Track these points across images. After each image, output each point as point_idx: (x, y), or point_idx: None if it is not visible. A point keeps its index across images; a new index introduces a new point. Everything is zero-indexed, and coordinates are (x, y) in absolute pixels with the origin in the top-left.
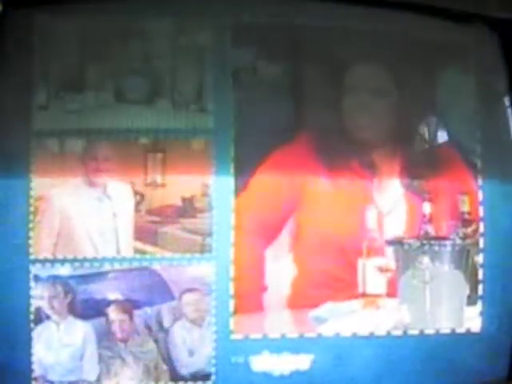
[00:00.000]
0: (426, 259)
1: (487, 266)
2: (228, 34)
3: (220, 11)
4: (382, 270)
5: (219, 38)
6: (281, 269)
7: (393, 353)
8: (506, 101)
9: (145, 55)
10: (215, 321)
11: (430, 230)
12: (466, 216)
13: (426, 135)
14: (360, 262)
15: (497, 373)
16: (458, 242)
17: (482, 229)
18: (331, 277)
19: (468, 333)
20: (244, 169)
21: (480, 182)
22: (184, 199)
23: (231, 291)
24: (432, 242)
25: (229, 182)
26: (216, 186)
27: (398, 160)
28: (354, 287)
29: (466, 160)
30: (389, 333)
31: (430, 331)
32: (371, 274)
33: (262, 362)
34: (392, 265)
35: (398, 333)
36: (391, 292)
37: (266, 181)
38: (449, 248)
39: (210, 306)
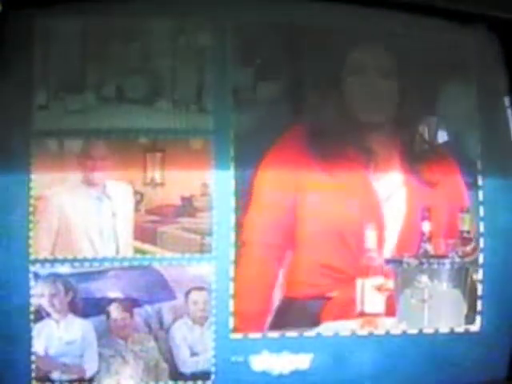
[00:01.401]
0: (424, 278)
1: (487, 266)
2: (228, 34)
3: (220, 11)
4: (380, 289)
5: (219, 38)
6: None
7: (392, 353)
8: (506, 101)
9: (145, 55)
10: (215, 320)
11: (429, 248)
12: (465, 234)
13: (426, 130)
14: (358, 282)
15: (496, 372)
16: (457, 260)
17: (482, 229)
18: (331, 269)
19: (467, 333)
20: (243, 168)
21: (480, 182)
22: (183, 199)
23: (231, 291)
24: (431, 260)
25: (228, 181)
26: (215, 186)
27: (396, 146)
28: (354, 282)
29: (465, 175)
30: (388, 333)
31: (429, 331)
32: (369, 293)
33: (262, 362)
34: (390, 284)
35: (398, 333)
36: (389, 311)
37: (265, 181)
38: (448, 266)
39: (210, 305)
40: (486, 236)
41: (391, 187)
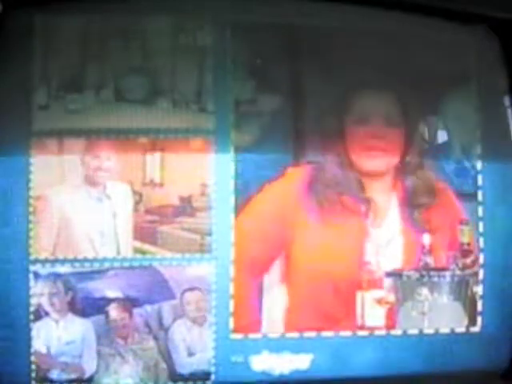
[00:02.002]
0: (424, 291)
1: (487, 266)
2: (228, 33)
3: (220, 10)
4: (380, 302)
5: (219, 37)
6: (275, 301)
7: (392, 352)
8: (506, 101)
9: (144, 55)
10: (215, 320)
11: (430, 261)
12: (466, 247)
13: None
14: (358, 295)
15: (495, 372)
16: (458, 272)
17: (481, 229)
18: (326, 312)
19: (467, 332)
20: (243, 169)
21: (480, 182)
22: (183, 199)
23: (231, 291)
24: (431, 273)
25: (228, 181)
26: (215, 186)
27: (395, 193)
28: (351, 321)
29: (464, 187)
30: (388, 333)
31: (429, 331)
32: (370, 306)
33: (262, 362)
34: (391, 297)
35: (398, 332)
36: (390, 324)
37: (260, 212)
38: (448, 279)
39: (210, 305)
40: (485, 236)
41: (391, 231)
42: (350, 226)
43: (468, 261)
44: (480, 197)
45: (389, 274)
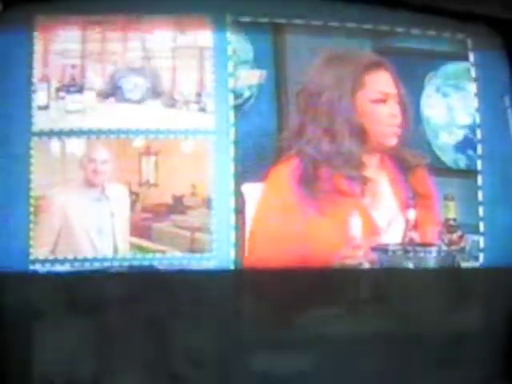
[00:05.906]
0: (410, 266)
1: (487, 266)
2: (228, 33)
3: (220, 10)
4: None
5: (219, 37)
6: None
7: (392, 353)
8: (506, 101)
9: (145, 55)
10: (216, 320)
11: (415, 236)
12: (452, 222)
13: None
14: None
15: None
16: (444, 248)
17: (482, 228)
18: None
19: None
20: (243, 169)
21: (480, 181)
22: (183, 199)
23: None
24: (417, 248)
25: (228, 181)
26: (215, 186)
27: (387, 175)
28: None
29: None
30: (388, 333)
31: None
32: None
33: (261, 361)
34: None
35: (399, 335)
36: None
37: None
38: (434, 254)
39: (210, 305)
40: (486, 236)
41: (390, 212)
42: (347, 209)
43: (454, 236)
44: (480, 196)
45: (374, 249)
